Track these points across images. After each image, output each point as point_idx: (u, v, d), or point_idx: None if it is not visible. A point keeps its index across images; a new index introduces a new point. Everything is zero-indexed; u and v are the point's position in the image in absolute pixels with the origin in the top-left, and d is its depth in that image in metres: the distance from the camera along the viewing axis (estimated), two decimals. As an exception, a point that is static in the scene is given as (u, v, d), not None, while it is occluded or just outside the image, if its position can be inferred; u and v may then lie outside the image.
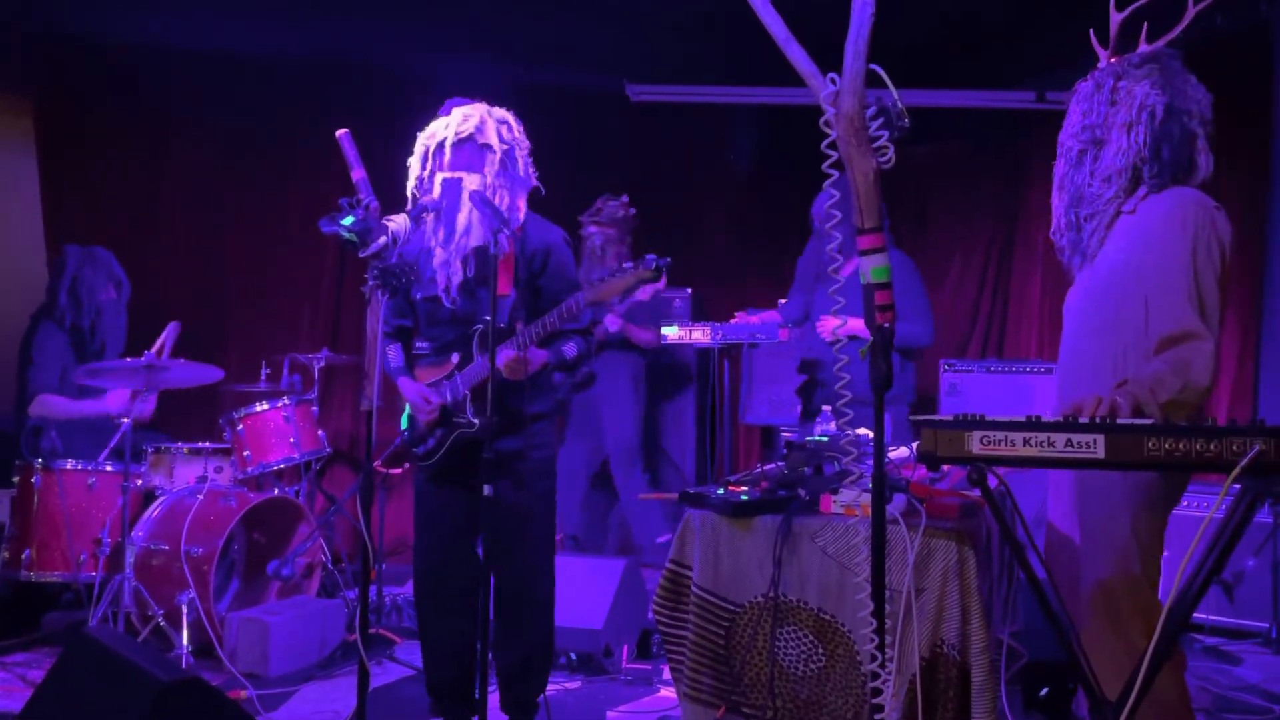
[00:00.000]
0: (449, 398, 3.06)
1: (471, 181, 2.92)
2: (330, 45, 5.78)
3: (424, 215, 2.90)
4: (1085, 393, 2.19)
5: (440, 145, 2.95)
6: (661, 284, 4.65)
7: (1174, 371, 2.13)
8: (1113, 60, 2.41)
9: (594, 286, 2.89)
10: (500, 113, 3.04)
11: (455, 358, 3.06)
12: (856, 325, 4.12)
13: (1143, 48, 2.41)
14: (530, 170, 3.07)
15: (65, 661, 2.61)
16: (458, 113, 2.98)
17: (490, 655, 2.97)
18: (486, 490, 2.60)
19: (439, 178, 2.95)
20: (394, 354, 3.15)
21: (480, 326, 2.97)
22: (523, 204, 3.07)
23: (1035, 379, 5.03)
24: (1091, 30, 2.46)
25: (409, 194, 3.02)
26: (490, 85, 6.22)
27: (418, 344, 3.21)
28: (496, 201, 2.92)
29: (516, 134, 3.05)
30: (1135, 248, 2.30)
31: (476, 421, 3.00)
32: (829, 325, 4.26)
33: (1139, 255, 2.28)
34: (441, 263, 2.97)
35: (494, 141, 2.95)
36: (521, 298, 3.05)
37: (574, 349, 3.09)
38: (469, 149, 2.94)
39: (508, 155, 2.98)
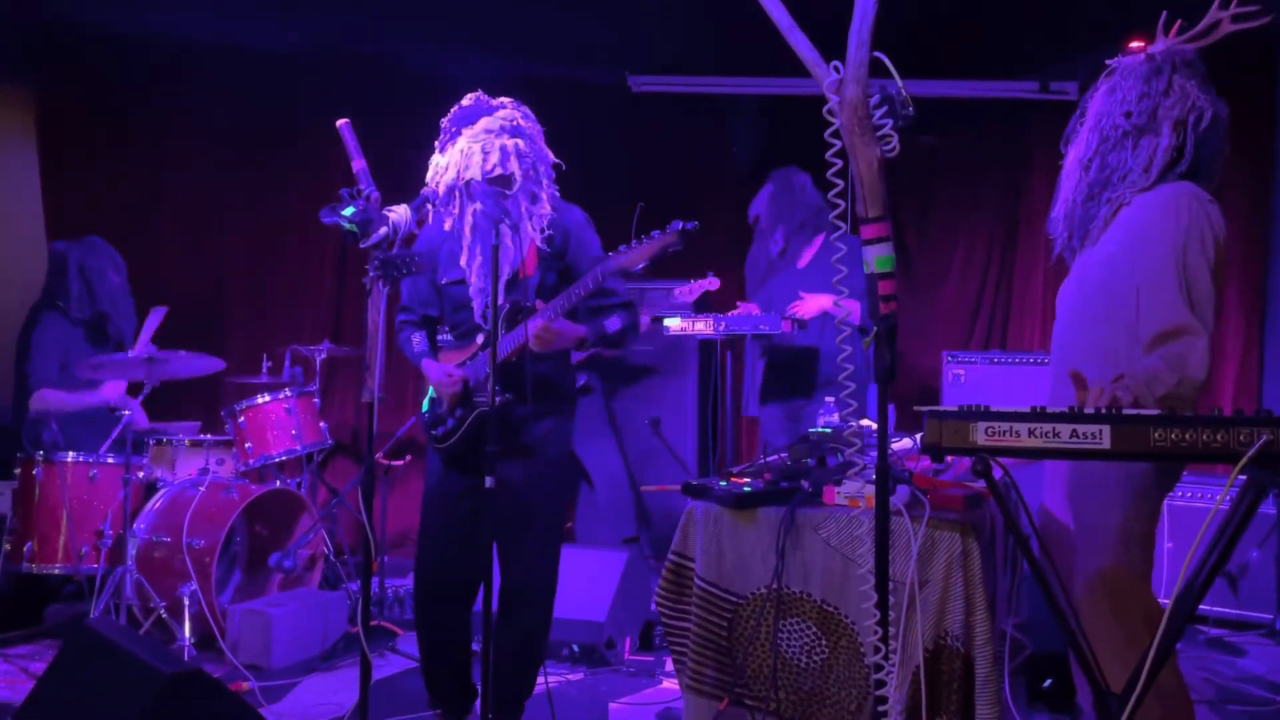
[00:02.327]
0: (472, 376, 3.06)
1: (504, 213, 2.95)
2: (331, 37, 5.76)
3: (427, 205, 2.91)
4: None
5: (469, 184, 2.96)
6: (715, 284, 4.63)
7: (1170, 367, 2.14)
8: (1169, 49, 2.37)
9: (619, 254, 2.87)
10: (513, 120, 3.02)
11: (480, 338, 3.08)
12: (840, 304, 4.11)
13: (1173, 43, 2.37)
14: (549, 164, 3.09)
15: (67, 653, 2.61)
16: (475, 148, 2.95)
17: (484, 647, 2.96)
18: (488, 482, 2.59)
19: (471, 208, 3.00)
20: (418, 340, 3.18)
21: (506, 306, 2.97)
22: (547, 194, 3.09)
23: (1038, 370, 5.02)
24: (1165, 11, 2.39)
25: (426, 192, 3.00)
26: (491, 77, 6.19)
27: (440, 331, 3.26)
28: (527, 205, 2.98)
29: (531, 135, 3.04)
30: (1129, 239, 2.30)
31: (506, 396, 2.98)
32: (815, 303, 4.23)
33: (1132, 247, 2.28)
34: (478, 290, 3.03)
35: (516, 170, 2.97)
36: (546, 278, 3.06)
37: (618, 322, 3.09)
38: (497, 185, 2.95)
39: (531, 170, 3.01)
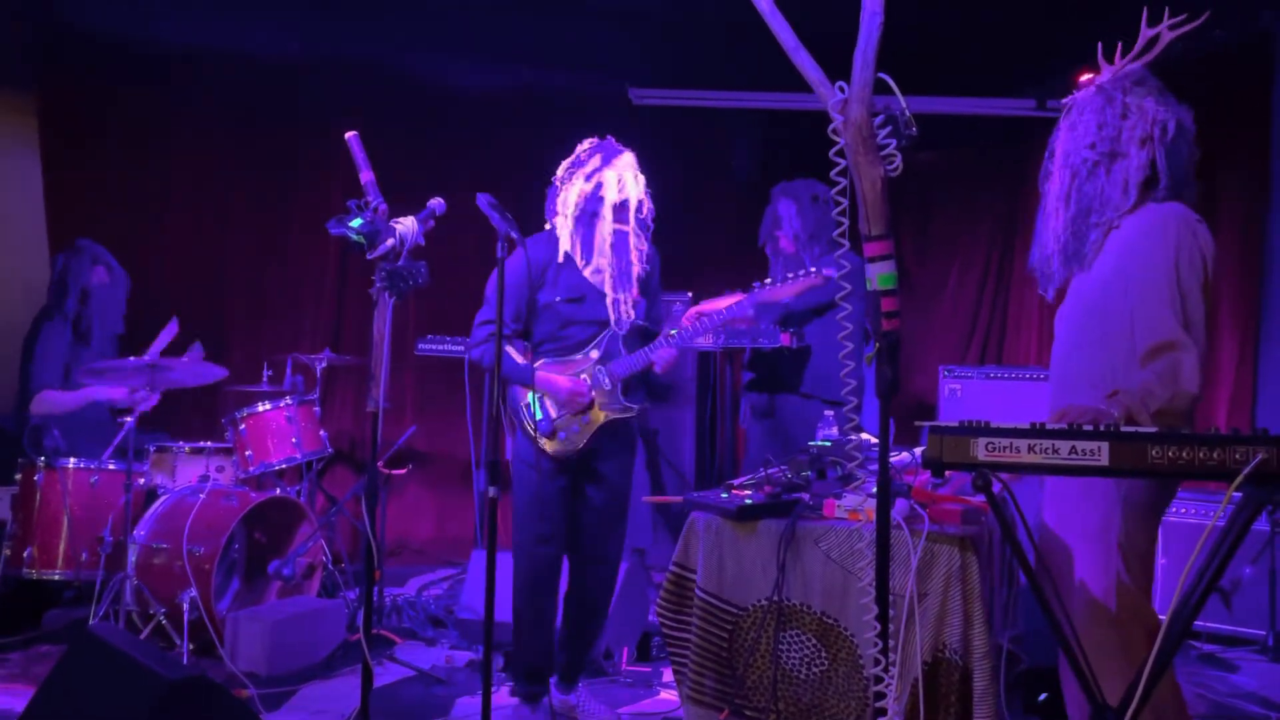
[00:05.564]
0: (594, 387, 3.36)
1: (632, 235, 3.37)
2: (334, 45, 5.79)
3: (432, 218, 2.95)
4: (1077, 404, 2.23)
5: (617, 203, 3.32)
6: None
7: (1162, 381, 2.18)
8: (1115, 76, 2.44)
9: (769, 287, 3.30)
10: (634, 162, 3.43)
11: (594, 353, 3.39)
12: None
13: (1119, 67, 2.44)
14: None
15: (70, 659, 2.62)
16: (610, 177, 3.31)
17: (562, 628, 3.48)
18: (492, 492, 2.60)
19: (608, 227, 3.34)
20: (515, 352, 3.42)
21: (628, 326, 3.38)
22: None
23: (1034, 385, 5.05)
24: (1100, 44, 2.48)
25: (557, 212, 3.37)
26: (493, 86, 6.25)
27: (543, 344, 3.46)
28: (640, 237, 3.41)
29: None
30: (1120, 262, 2.35)
31: (635, 407, 3.39)
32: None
33: (1124, 269, 2.33)
34: (614, 301, 3.38)
35: (647, 202, 3.41)
36: (640, 301, 3.46)
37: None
38: (630, 209, 3.36)
39: (641, 204, 3.40)
